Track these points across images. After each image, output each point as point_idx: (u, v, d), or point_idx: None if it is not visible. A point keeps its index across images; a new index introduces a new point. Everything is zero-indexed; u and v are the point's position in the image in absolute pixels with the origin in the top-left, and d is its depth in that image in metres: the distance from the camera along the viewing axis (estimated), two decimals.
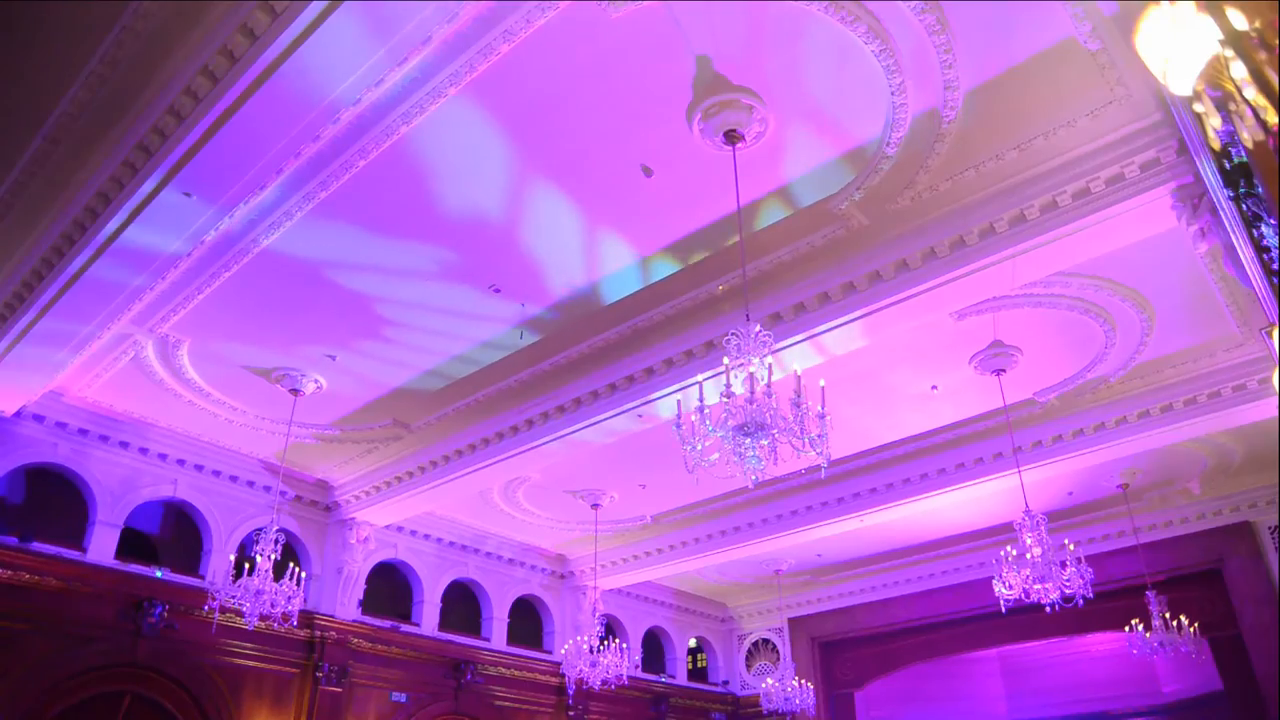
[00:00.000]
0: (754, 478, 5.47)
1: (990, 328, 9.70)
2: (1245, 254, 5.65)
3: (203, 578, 12.08)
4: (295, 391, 10.71)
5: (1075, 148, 7.03)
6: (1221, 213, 5.82)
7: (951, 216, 7.73)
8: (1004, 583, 9.26)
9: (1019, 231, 7.52)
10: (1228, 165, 3.79)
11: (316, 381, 10.65)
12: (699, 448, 5.45)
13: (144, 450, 11.96)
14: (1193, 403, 10.63)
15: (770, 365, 5.65)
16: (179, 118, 6.28)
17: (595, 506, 14.19)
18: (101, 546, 11.39)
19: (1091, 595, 9.13)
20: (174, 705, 11.62)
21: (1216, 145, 3.73)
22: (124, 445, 11.76)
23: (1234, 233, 5.73)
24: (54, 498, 11.76)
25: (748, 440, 5.32)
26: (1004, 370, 10.30)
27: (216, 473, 12.64)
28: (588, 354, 9.98)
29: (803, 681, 15.73)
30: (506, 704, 15.48)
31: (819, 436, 5.42)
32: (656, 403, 10.01)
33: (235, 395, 11.09)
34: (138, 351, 9.91)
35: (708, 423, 5.45)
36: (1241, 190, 3.75)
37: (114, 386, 10.80)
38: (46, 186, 7.52)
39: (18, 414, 10.72)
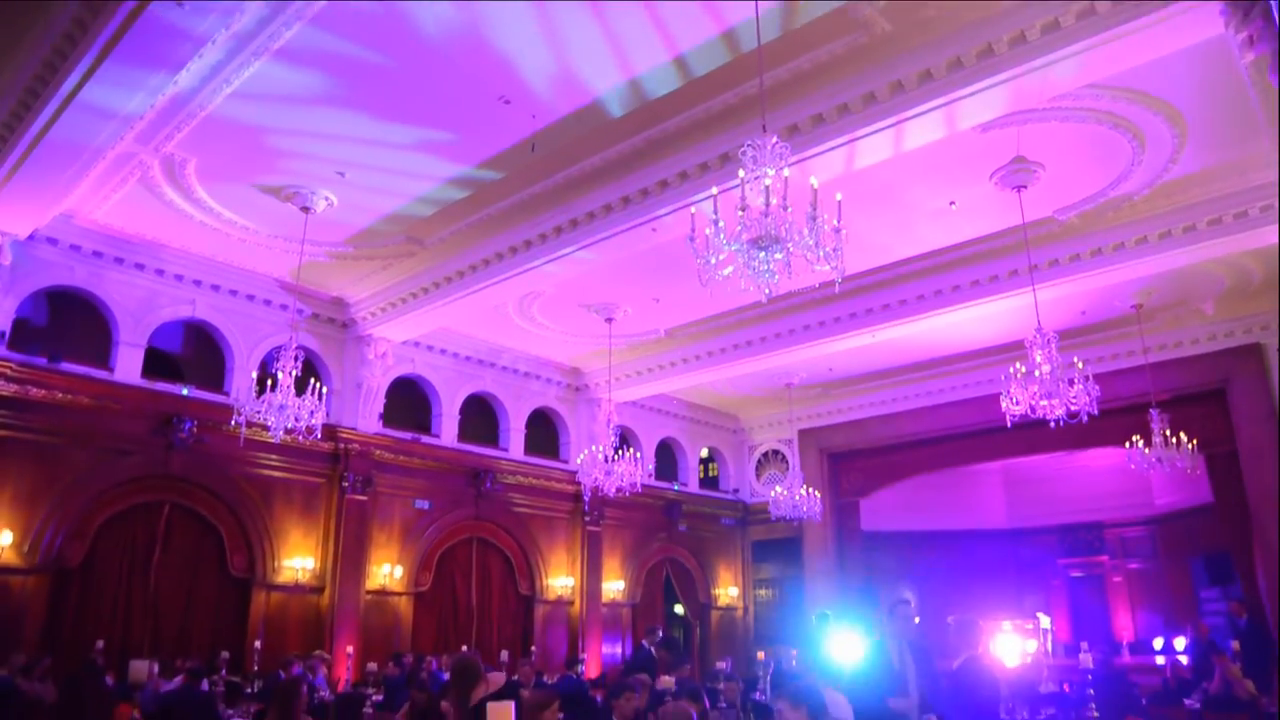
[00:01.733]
0: (768, 292, 5.45)
1: (1014, 142, 9.40)
2: None
3: (227, 394, 12.44)
4: (306, 209, 10.61)
5: None
6: (1275, 16, 5.47)
7: (981, 24, 7.29)
8: (1011, 399, 9.37)
9: (1050, 40, 7.11)
10: None
11: (327, 199, 10.53)
12: (713, 261, 5.40)
13: (160, 271, 12.03)
14: (1217, 223, 10.38)
15: (786, 178, 5.52)
16: None
17: (609, 320, 14.32)
18: (127, 366, 11.69)
19: (1097, 412, 9.20)
20: (210, 513, 12.29)
21: None
22: (139, 267, 11.83)
23: None
24: (76, 320, 11.97)
25: (762, 254, 5.26)
26: (1025, 186, 10.03)
27: (234, 292, 12.77)
28: (600, 167, 9.74)
29: (810, 490, 16.29)
30: (525, 510, 16.25)
31: (834, 251, 5.35)
32: (670, 216, 9.87)
33: (246, 214, 11.02)
34: (144, 171, 9.76)
35: (722, 236, 5.37)
36: None
37: (124, 208, 10.73)
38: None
39: (31, 237, 10.71)
